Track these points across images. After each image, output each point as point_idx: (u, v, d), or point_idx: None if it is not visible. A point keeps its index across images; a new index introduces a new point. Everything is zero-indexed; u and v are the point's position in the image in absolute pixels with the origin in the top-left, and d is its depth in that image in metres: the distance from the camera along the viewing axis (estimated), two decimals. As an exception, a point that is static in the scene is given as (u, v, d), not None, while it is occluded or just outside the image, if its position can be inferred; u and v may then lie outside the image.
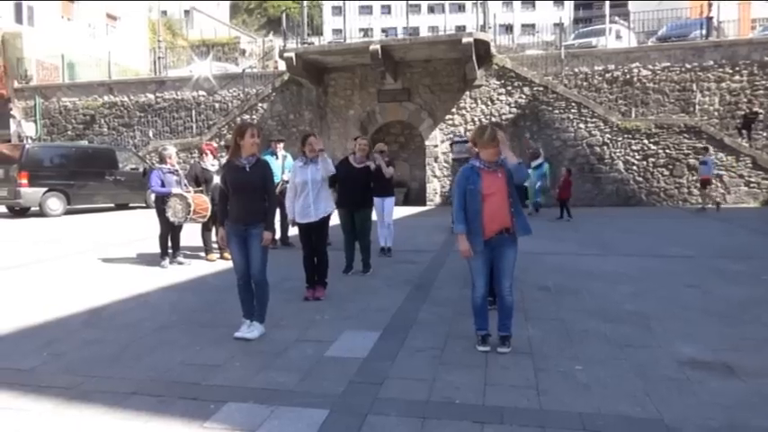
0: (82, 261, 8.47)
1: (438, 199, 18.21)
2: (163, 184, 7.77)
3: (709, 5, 18.76)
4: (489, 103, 17.81)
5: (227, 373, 3.82)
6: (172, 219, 7.68)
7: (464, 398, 3.37)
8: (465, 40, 15.72)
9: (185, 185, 7.96)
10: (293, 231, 8.76)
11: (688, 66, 17.24)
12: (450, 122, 18.09)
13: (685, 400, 3.32)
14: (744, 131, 16.60)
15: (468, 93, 17.89)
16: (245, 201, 4.57)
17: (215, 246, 8.36)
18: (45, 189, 15.40)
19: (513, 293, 4.19)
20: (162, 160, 8.06)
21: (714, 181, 15.63)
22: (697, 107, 17.10)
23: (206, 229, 8.29)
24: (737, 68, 16.94)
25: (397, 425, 3.05)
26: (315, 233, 5.87)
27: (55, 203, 15.64)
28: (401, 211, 10.61)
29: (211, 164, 8.21)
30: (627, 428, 2.98)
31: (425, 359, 4.03)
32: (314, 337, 4.60)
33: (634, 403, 3.26)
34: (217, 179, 7.89)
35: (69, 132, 22.13)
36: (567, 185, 13.79)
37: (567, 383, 3.58)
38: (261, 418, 3.15)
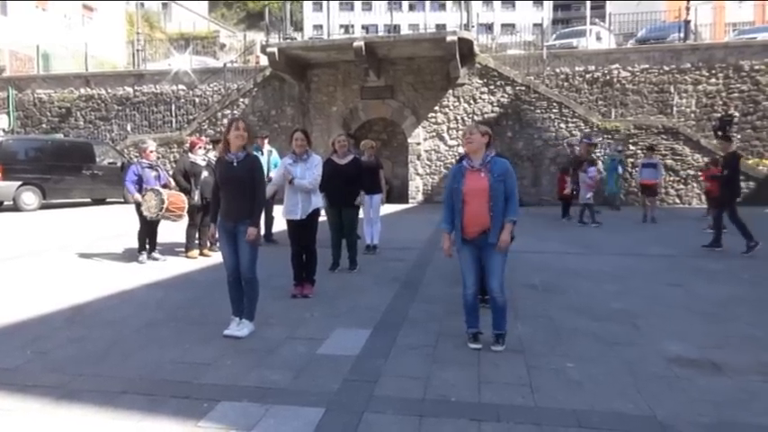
0: (60, 257, 8.29)
1: (420, 197, 18.26)
2: (140, 179, 7.68)
3: (687, 9, 19.11)
4: (472, 101, 17.90)
5: (218, 372, 3.77)
6: (145, 214, 7.62)
7: (459, 395, 3.38)
8: (449, 38, 15.78)
9: (168, 176, 7.92)
10: (277, 228, 8.73)
11: (666, 68, 17.55)
12: (434, 120, 18.14)
13: (675, 396, 3.37)
14: (719, 133, 16.92)
15: (451, 91, 17.95)
16: (232, 196, 4.53)
17: (197, 242, 8.27)
18: (19, 183, 15.06)
19: (504, 293, 4.19)
20: (140, 154, 8.00)
21: (661, 188, 14.84)
22: (674, 109, 17.43)
23: (191, 226, 8.18)
24: (714, 71, 17.31)
25: (394, 423, 3.04)
26: (304, 231, 5.83)
27: (30, 198, 15.30)
28: (384, 209, 10.59)
29: (202, 158, 8.10)
30: (621, 425, 3.02)
31: (418, 357, 4.04)
32: (304, 334, 4.57)
33: (626, 400, 3.31)
34: (205, 173, 7.82)
35: (44, 125, 21.63)
36: (563, 183, 13.56)
37: (560, 381, 3.61)
38: (256, 416, 3.11)
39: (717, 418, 3.10)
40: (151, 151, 7.91)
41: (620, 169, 15.40)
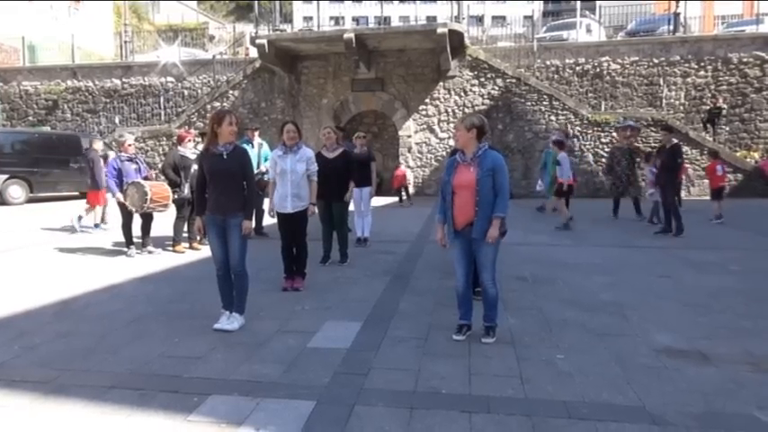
0: (48, 251, 8.22)
1: (411, 189, 18.22)
2: (120, 173, 7.65)
3: (676, 1, 19.17)
4: (462, 94, 17.88)
5: (208, 366, 3.75)
6: (130, 209, 7.58)
7: (450, 387, 3.38)
8: (440, 30, 15.73)
9: (148, 169, 7.94)
10: (267, 221, 8.69)
11: (655, 60, 17.63)
12: (424, 113, 18.11)
13: (664, 387, 3.40)
14: (708, 126, 17.07)
15: (441, 83, 17.93)
16: (222, 189, 4.48)
17: (185, 236, 8.22)
18: (6, 176, 14.93)
19: (496, 285, 4.20)
20: (119, 148, 8.06)
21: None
22: (663, 101, 17.52)
23: (179, 219, 8.13)
24: (702, 64, 17.41)
25: (385, 415, 3.04)
26: (294, 224, 5.80)
27: (17, 191, 15.17)
28: (375, 202, 10.58)
29: (191, 151, 8.04)
30: (611, 416, 3.03)
31: (409, 349, 4.03)
32: (295, 327, 4.56)
33: (616, 391, 3.32)
34: (195, 167, 7.77)
35: (31, 118, 21.40)
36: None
37: (550, 372, 3.62)
38: (246, 410, 3.10)
39: (705, 408, 3.12)
40: (129, 144, 7.88)
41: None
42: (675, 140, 9.68)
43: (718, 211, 10.88)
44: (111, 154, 10.75)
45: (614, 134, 14.60)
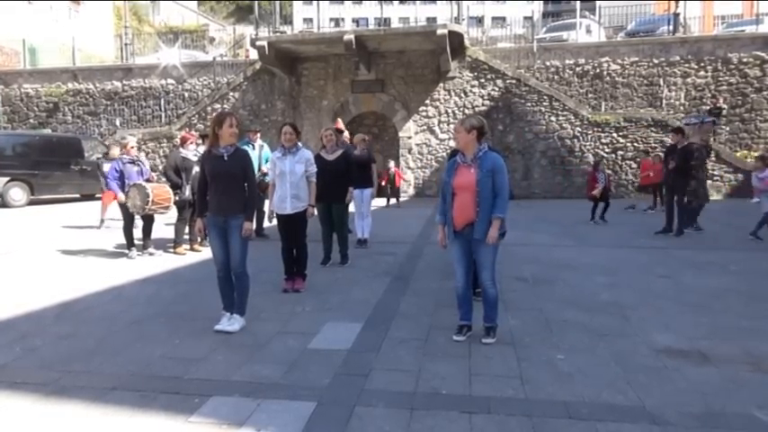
0: (49, 253, 8.22)
1: (412, 190, 18.26)
2: (122, 175, 7.67)
3: (676, 1, 19.18)
4: (463, 95, 17.89)
5: (209, 367, 3.76)
6: (132, 210, 7.61)
7: (450, 388, 3.39)
8: (439, 31, 15.75)
9: (150, 171, 7.97)
10: (268, 223, 8.70)
11: (655, 60, 17.63)
12: (424, 114, 18.13)
13: (664, 387, 3.40)
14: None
15: (441, 84, 17.95)
16: (223, 191, 4.49)
17: (186, 238, 8.23)
18: (7, 179, 14.94)
19: (496, 285, 4.21)
20: (121, 150, 8.06)
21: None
22: (663, 101, 17.52)
23: (180, 221, 8.14)
24: (702, 64, 17.41)
25: (386, 416, 3.05)
26: (293, 225, 5.81)
27: (18, 193, 15.18)
28: (376, 203, 10.58)
29: (193, 153, 8.05)
30: (611, 416, 3.04)
31: (409, 350, 4.04)
32: (296, 329, 4.56)
33: (616, 391, 3.33)
34: (197, 168, 7.78)
35: (31, 120, 21.43)
36: (594, 181, 11.87)
37: (550, 372, 3.63)
38: (247, 411, 3.11)
39: (705, 407, 3.13)
40: (132, 147, 7.88)
41: None
42: (687, 142, 9.68)
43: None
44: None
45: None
